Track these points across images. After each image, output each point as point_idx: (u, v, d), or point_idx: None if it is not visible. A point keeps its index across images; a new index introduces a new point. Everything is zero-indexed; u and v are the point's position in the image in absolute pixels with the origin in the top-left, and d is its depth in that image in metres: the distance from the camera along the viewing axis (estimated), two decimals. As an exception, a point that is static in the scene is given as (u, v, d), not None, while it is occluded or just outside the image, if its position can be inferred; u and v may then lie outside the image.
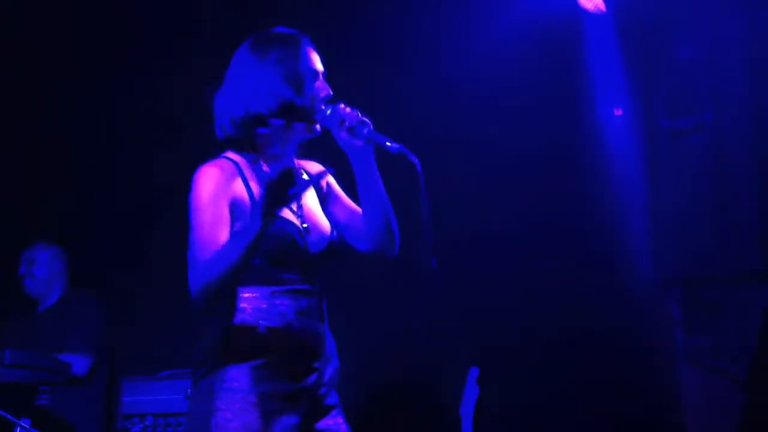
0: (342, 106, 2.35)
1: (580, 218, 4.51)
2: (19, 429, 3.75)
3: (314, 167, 2.57)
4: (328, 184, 2.55)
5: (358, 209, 2.46)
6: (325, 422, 2.37)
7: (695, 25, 4.12)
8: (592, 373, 4.40)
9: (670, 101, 4.19)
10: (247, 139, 2.39)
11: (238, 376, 2.26)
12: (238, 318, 2.30)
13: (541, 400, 4.45)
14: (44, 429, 4.01)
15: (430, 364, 4.68)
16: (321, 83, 2.42)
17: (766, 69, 3.87)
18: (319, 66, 2.44)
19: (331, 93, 2.42)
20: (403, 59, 4.73)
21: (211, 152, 2.42)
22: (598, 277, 4.44)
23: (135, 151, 5.16)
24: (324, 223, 2.47)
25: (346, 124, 2.32)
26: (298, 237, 2.36)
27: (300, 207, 2.43)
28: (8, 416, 3.68)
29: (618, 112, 4.57)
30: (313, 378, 2.34)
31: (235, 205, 2.30)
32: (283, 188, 2.09)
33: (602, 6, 4.51)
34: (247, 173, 2.36)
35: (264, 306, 2.31)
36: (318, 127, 2.41)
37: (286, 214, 2.38)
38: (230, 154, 2.40)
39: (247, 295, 2.31)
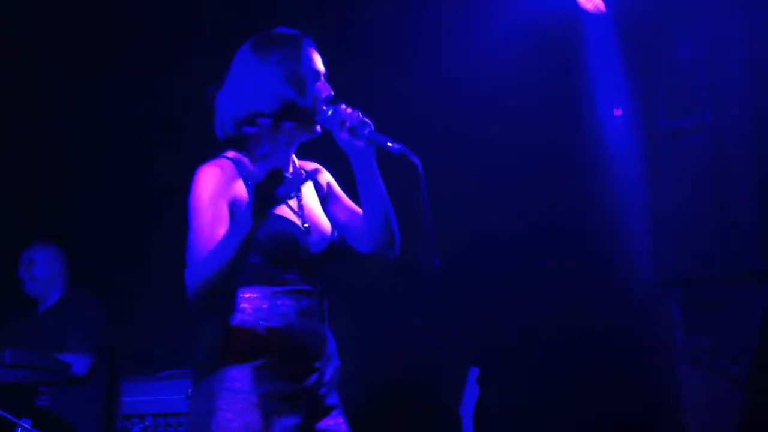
0: (343, 106, 2.36)
1: (580, 218, 4.51)
2: (19, 429, 3.75)
3: (314, 168, 2.57)
4: (328, 185, 2.55)
5: (359, 210, 2.47)
6: (325, 422, 2.37)
7: (695, 25, 4.11)
8: (592, 373, 4.40)
9: (670, 101, 4.19)
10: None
11: (239, 377, 2.26)
12: (239, 318, 2.30)
13: (541, 400, 4.45)
14: (44, 429, 4.01)
15: (430, 364, 4.68)
16: (322, 84, 2.43)
17: (766, 69, 3.86)
18: (320, 67, 2.44)
19: (333, 94, 2.42)
20: (403, 59, 4.73)
21: (211, 152, 2.42)
22: (598, 277, 4.44)
23: (135, 151, 5.16)
24: (325, 223, 2.47)
25: (347, 124, 2.32)
26: (299, 237, 2.36)
27: (301, 207, 2.43)
28: (9, 416, 3.68)
29: (618, 112, 4.57)
30: (313, 378, 2.34)
31: (235, 205, 2.30)
32: (271, 188, 2.08)
33: (602, 6, 4.51)
34: (248, 173, 2.35)
35: (265, 306, 2.31)
36: (318, 128, 2.41)
37: (287, 213, 2.38)
38: (231, 154, 2.40)
39: (247, 295, 2.31)
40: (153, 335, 4.86)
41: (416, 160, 2.24)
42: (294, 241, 2.34)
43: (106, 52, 5.03)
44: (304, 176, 2.30)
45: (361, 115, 2.33)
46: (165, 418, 4.38)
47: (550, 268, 4.49)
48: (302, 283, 2.36)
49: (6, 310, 4.88)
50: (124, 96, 5.11)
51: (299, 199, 2.44)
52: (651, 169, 4.31)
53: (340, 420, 2.41)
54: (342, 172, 2.50)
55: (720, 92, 3.97)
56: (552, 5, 4.56)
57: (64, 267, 4.88)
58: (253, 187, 2.07)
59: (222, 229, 2.23)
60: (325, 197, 2.53)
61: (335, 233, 2.48)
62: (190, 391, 4.30)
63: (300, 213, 2.41)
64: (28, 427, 3.78)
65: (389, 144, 2.28)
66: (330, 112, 2.36)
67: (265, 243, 2.30)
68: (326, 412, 2.38)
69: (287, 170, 2.11)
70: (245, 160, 2.39)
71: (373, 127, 2.32)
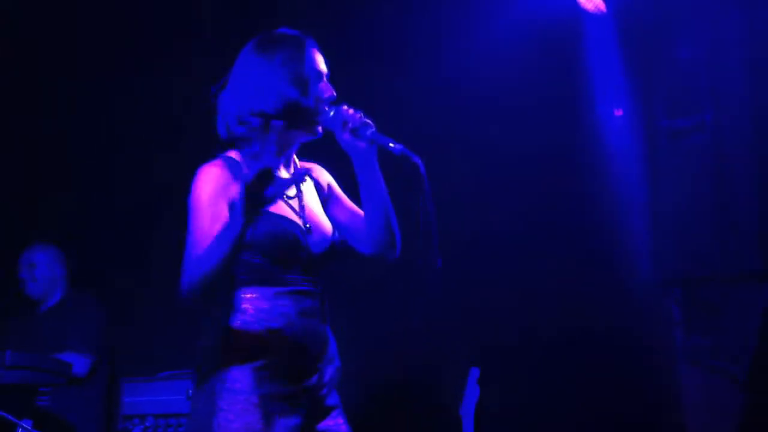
0: (345, 107, 2.36)
1: (580, 218, 4.51)
2: (20, 430, 3.75)
3: (315, 169, 2.57)
4: (329, 186, 2.55)
5: (360, 211, 2.47)
6: (325, 423, 2.37)
7: (695, 25, 4.11)
8: (592, 373, 4.40)
9: (670, 101, 4.19)
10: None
11: (240, 377, 2.26)
12: (240, 318, 2.30)
13: (541, 400, 4.45)
14: (45, 430, 4.01)
15: (430, 364, 4.68)
16: (325, 84, 2.43)
17: (766, 69, 3.87)
18: (323, 67, 2.45)
19: (335, 94, 2.42)
20: (403, 59, 4.73)
21: (211, 152, 2.42)
22: (598, 277, 4.44)
23: (135, 151, 5.16)
24: (326, 223, 2.47)
25: (349, 125, 2.33)
26: (301, 236, 2.36)
27: (302, 207, 2.43)
28: (9, 417, 3.68)
29: (618, 112, 4.57)
30: (314, 379, 2.34)
31: (232, 206, 2.30)
32: (261, 188, 2.08)
33: (602, 6, 4.51)
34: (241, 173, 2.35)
35: (266, 307, 2.31)
36: (320, 128, 2.41)
37: (289, 213, 2.38)
38: (232, 154, 2.40)
39: (249, 295, 2.32)
40: (153, 335, 4.86)
41: (418, 161, 2.25)
42: (295, 241, 2.35)
43: (106, 52, 5.03)
44: (295, 176, 2.29)
45: (362, 116, 2.33)
46: (165, 418, 4.38)
47: (550, 268, 4.49)
48: (303, 284, 2.36)
49: (6, 311, 4.88)
50: (124, 96, 5.11)
51: (300, 200, 2.44)
52: (651, 169, 4.31)
53: (340, 420, 2.41)
54: (343, 173, 2.50)
55: (720, 92, 3.97)
56: (552, 5, 4.56)
57: (65, 268, 4.88)
58: (243, 187, 2.07)
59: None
60: (326, 198, 2.53)
61: (336, 234, 2.48)
62: (190, 391, 4.31)
63: (301, 213, 2.41)
64: (29, 427, 3.78)
65: (391, 145, 2.28)
66: (332, 113, 2.36)
67: (266, 243, 2.30)
68: (326, 412, 2.38)
69: (278, 170, 2.11)
70: (246, 159, 2.39)
71: (374, 128, 2.33)
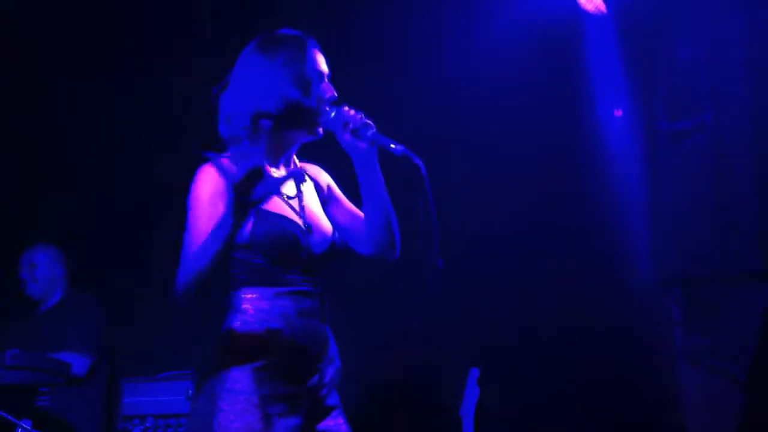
0: (346, 108, 2.36)
1: (580, 218, 4.51)
2: (19, 430, 3.75)
3: (315, 170, 2.57)
4: (328, 187, 2.55)
5: (359, 213, 2.47)
6: (325, 423, 2.37)
7: (695, 25, 4.11)
8: (592, 373, 4.40)
9: (670, 101, 4.19)
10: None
11: (240, 378, 2.26)
12: (240, 319, 2.30)
13: (541, 400, 4.45)
14: (45, 430, 4.01)
15: (430, 364, 4.68)
16: (326, 85, 2.43)
17: (766, 69, 3.86)
18: (324, 68, 2.45)
19: (336, 95, 2.43)
20: (403, 59, 4.74)
21: (208, 152, 2.42)
22: (598, 277, 4.44)
23: (135, 151, 5.16)
24: (326, 224, 2.47)
25: (350, 126, 2.33)
26: (301, 236, 2.36)
27: (302, 207, 2.43)
28: (9, 417, 3.68)
29: (618, 112, 4.57)
30: (314, 379, 2.34)
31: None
32: (249, 187, 2.08)
33: (602, 7, 4.51)
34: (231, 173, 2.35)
35: (266, 307, 2.31)
36: (321, 129, 2.42)
37: (289, 213, 2.38)
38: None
39: (249, 295, 2.32)
40: (153, 335, 4.86)
41: (419, 162, 2.25)
42: (296, 240, 2.35)
43: (106, 52, 5.03)
44: (287, 176, 2.28)
45: (363, 117, 2.34)
46: (165, 419, 4.39)
47: (550, 268, 4.49)
48: (303, 284, 2.36)
49: (6, 311, 4.88)
50: (124, 96, 5.11)
51: (300, 200, 2.44)
52: (651, 170, 4.32)
53: (340, 420, 2.41)
54: (343, 174, 2.50)
55: (720, 92, 3.97)
56: (552, 5, 4.56)
57: (65, 268, 4.89)
58: (231, 186, 2.07)
59: None
60: (326, 199, 2.53)
61: (336, 234, 2.48)
62: (190, 392, 4.31)
63: (301, 213, 2.42)
64: (28, 427, 3.78)
65: (392, 146, 2.29)
66: (333, 114, 2.37)
67: (266, 243, 2.30)
68: (326, 412, 2.38)
69: (270, 169, 2.11)
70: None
71: (375, 129, 2.33)
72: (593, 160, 4.54)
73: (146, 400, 4.42)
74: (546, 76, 4.51)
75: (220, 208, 2.27)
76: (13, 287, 4.85)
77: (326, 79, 2.44)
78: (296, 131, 2.42)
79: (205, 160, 2.35)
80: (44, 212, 5.26)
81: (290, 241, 2.33)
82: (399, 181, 2.44)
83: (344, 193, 2.57)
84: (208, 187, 2.29)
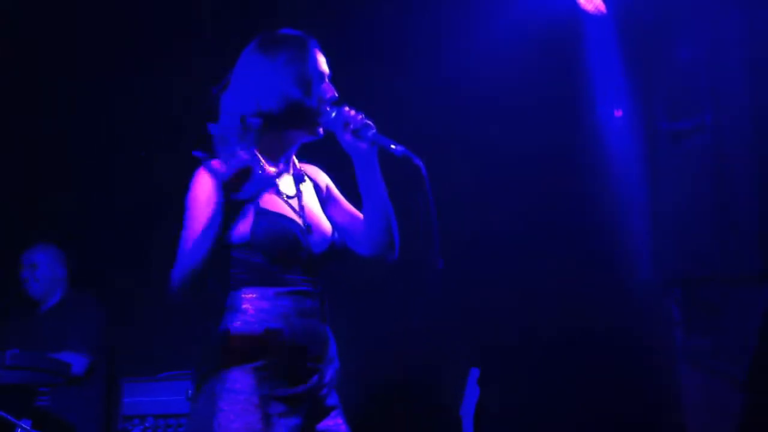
0: (347, 108, 2.36)
1: (580, 218, 4.51)
2: (19, 430, 3.75)
3: (313, 170, 2.57)
4: (327, 188, 2.55)
5: (358, 213, 2.47)
6: (325, 423, 2.37)
7: (695, 25, 4.11)
8: (592, 373, 4.40)
9: (670, 102, 4.19)
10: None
11: (241, 378, 2.25)
12: (240, 319, 2.30)
13: (541, 400, 4.45)
14: (44, 430, 4.01)
15: (430, 364, 4.68)
16: (327, 85, 2.43)
17: (766, 69, 3.86)
18: (325, 68, 2.45)
19: (337, 95, 2.43)
20: (403, 59, 4.73)
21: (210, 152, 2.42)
22: (598, 277, 4.44)
23: (135, 151, 5.16)
24: (325, 223, 2.47)
25: (351, 126, 2.33)
26: (301, 236, 2.36)
27: (302, 207, 2.43)
28: (9, 417, 3.68)
29: (618, 112, 4.57)
30: (314, 379, 2.34)
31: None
32: (237, 186, 2.08)
33: (602, 7, 4.51)
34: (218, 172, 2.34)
35: (266, 307, 2.31)
36: (321, 129, 2.42)
37: (289, 212, 2.38)
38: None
39: (249, 295, 2.31)
40: (153, 335, 4.86)
41: (419, 163, 2.25)
42: (296, 240, 2.34)
43: (106, 52, 5.03)
44: (274, 174, 2.26)
45: (364, 118, 2.34)
46: (165, 419, 4.38)
47: (550, 268, 4.49)
48: (303, 284, 2.36)
49: (6, 311, 4.88)
50: (124, 96, 5.11)
51: (300, 199, 2.44)
52: (651, 170, 4.31)
53: (340, 420, 2.41)
54: (343, 174, 2.50)
55: (720, 92, 3.97)
56: (552, 5, 4.56)
57: (66, 269, 4.89)
58: (219, 185, 2.07)
59: None
60: (324, 200, 2.53)
61: (335, 234, 2.48)
62: (190, 392, 4.31)
63: (301, 213, 2.41)
64: (28, 427, 3.78)
65: (393, 146, 2.29)
66: (334, 114, 2.37)
67: (266, 241, 2.30)
68: (326, 412, 2.38)
69: (257, 168, 2.10)
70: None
71: (375, 130, 2.33)
72: (593, 160, 4.54)
73: (146, 400, 4.42)
74: (546, 76, 4.51)
75: None
76: (13, 287, 4.85)
77: (327, 80, 2.44)
78: (296, 131, 2.42)
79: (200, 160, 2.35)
80: (44, 212, 5.26)
81: (290, 240, 2.33)
82: (399, 182, 2.44)
83: (344, 193, 2.57)
84: (206, 187, 2.29)
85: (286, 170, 2.43)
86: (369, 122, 2.34)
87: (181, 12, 4.99)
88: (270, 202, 2.35)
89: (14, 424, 3.72)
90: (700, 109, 4.02)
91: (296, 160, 2.52)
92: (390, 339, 4.60)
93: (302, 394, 2.31)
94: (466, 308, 4.61)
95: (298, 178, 2.49)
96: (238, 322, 2.29)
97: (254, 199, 2.13)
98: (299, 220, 2.39)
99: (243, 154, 2.04)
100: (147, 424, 4.39)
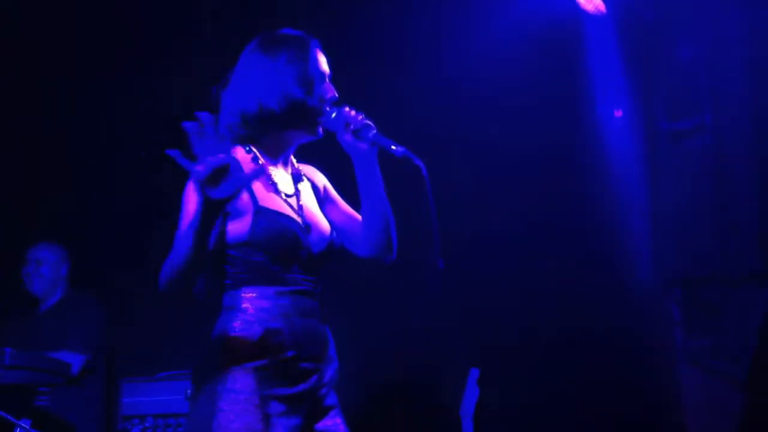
0: (347, 109, 2.36)
1: (580, 218, 4.51)
2: (19, 430, 3.75)
3: (310, 170, 2.57)
4: (324, 188, 2.55)
5: (355, 214, 2.47)
6: (324, 423, 2.37)
7: (695, 25, 4.12)
8: (592, 373, 4.40)
9: (670, 102, 4.19)
10: (253, 137, 2.40)
11: (240, 378, 2.25)
12: (241, 318, 2.30)
13: (541, 400, 4.45)
14: (44, 429, 4.01)
15: (430, 364, 4.68)
16: (328, 85, 2.43)
17: (766, 69, 3.86)
18: (326, 68, 2.45)
19: (337, 95, 2.43)
20: (403, 59, 4.74)
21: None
22: (598, 277, 4.44)
23: (135, 151, 5.15)
24: (324, 223, 2.47)
25: (351, 126, 2.33)
26: (300, 234, 2.36)
27: (300, 207, 2.43)
28: (8, 417, 3.68)
29: (618, 112, 4.57)
30: (314, 379, 2.34)
31: (231, 204, 2.28)
32: (215, 184, 2.06)
33: (602, 7, 4.51)
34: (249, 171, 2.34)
35: (266, 306, 2.30)
36: (321, 129, 2.41)
37: (288, 211, 2.38)
38: (237, 151, 2.40)
39: (249, 294, 2.31)
40: (153, 335, 4.86)
41: (420, 163, 2.25)
42: (295, 238, 2.34)
43: (106, 52, 5.03)
44: (252, 173, 2.24)
45: (364, 118, 2.34)
46: (164, 418, 4.38)
47: (550, 268, 4.49)
48: (303, 283, 2.35)
49: (6, 310, 4.88)
50: (124, 96, 5.11)
51: (298, 199, 2.44)
52: (651, 170, 4.32)
53: (339, 420, 2.41)
54: (343, 175, 2.50)
55: (720, 92, 3.97)
56: (552, 5, 4.57)
57: (68, 268, 4.89)
58: (197, 183, 2.05)
59: None
60: (322, 200, 2.53)
61: (334, 234, 2.48)
62: (189, 391, 4.31)
63: (300, 212, 2.41)
64: (28, 427, 3.78)
65: (393, 147, 2.29)
66: (334, 114, 2.37)
67: (265, 240, 2.29)
68: (325, 412, 2.38)
69: (234, 167, 2.08)
70: (248, 157, 2.39)
71: (376, 130, 2.33)
72: (593, 160, 4.54)
73: (146, 400, 4.42)
74: (546, 76, 4.51)
75: None
76: (13, 287, 4.85)
77: (327, 80, 2.44)
78: (296, 131, 2.42)
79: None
80: (44, 212, 5.26)
81: (289, 238, 2.33)
82: (399, 182, 2.44)
83: (343, 193, 2.57)
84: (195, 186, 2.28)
85: (263, 171, 2.41)
86: (369, 123, 2.34)
87: (181, 12, 4.99)
88: (269, 200, 2.35)
89: (14, 424, 3.72)
90: (700, 109, 4.02)
91: (294, 160, 2.52)
92: (390, 339, 4.60)
93: (302, 393, 2.31)
94: (466, 308, 4.61)
95: (297, 178, 2.49)
96: (239, 322, 2.29)
97: (232, 198, 2.11)
98: (298, 219, 2.39)
99: (221, 153, 2.03)
100: (146, 424, 4.39)
